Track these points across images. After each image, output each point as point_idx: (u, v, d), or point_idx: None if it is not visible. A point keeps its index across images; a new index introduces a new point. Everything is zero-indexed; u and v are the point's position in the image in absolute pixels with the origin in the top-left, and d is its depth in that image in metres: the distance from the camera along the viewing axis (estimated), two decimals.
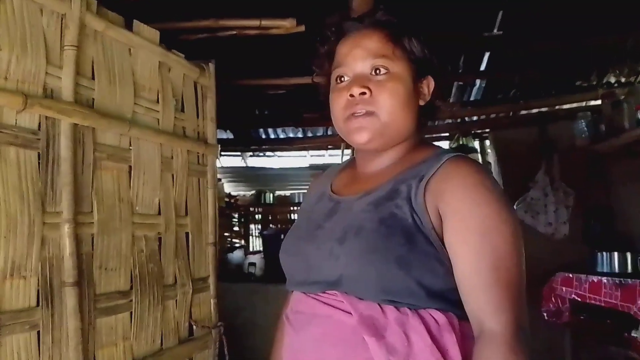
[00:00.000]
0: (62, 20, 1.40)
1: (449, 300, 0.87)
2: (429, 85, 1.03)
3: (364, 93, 0.95)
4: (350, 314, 0.86)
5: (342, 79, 1.01)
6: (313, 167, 5.43)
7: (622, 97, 3.09)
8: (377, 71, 0.97)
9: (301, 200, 5.16)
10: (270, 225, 5.45)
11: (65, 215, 1.36)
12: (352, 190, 1.03)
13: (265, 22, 2.24)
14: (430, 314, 0.86)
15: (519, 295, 0.82)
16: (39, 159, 1.32)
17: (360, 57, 0.98)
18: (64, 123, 1.37)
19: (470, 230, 0.84)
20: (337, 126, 1.02)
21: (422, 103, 1.02)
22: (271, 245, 3.80)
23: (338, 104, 0.99)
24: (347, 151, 4.72)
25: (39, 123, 1.32)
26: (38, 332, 1.28)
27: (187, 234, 1.92)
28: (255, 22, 2.24)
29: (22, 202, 1.26)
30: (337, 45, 1.04)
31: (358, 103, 0.96)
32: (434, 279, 0.86)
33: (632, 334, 2.45)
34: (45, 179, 1.33)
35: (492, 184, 0.88)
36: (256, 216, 5.54)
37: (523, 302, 0.83)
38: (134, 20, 1.66)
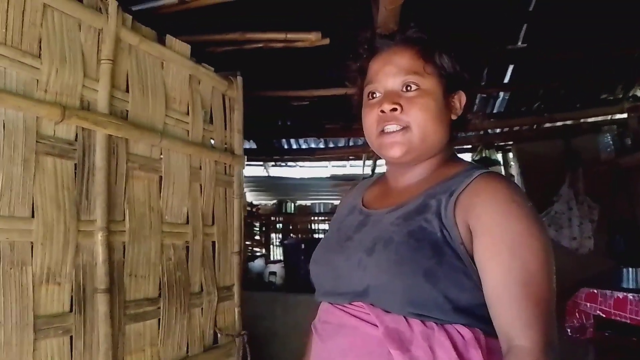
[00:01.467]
0: (99, 35, 1.45)
1: (476, 315, 0.87)
2: (460, 100, 1.04)
3: (394, 109, 0.97)
4: (376, 326, 0.87)
5: (374, 95, 1.03)
6: (334, 178, 5.44)
7: None
8: (408, 87, 0.99)
9: (321, 210, 5.18)
10: (291, 235, 5.47)
11: (98, 223, 1.40)
12: (382, 203, 1.05)
13: (290, 36, 2.28)
14: (457, 329, 0.85)
15: (548, 312, 0.81)
16: (75, 168, 1.37)
17: (392, 73, 1.00)
18: (99, 134, 1.42)
19: (500, 246, 0.84)
20: (370, 141, 1.04)
21: (454, 117, 1.03)
22: (291, 254, 3.81)
23: (370, 120, 1.02)
24: (369, 162, 4.73)
25: (76, 134, 1.37)
26: (71, 337, 1.31)
27: (213, 242, 1.96)
28: (281, 35, 2.28)
29: (59, 210, 1.31)
30: (369, 61, 1.07)
31: (389, 120, 0.98)
32: (461, 294, 0.86)
33: None
34: (80, 188, 1.38)
35: (522, 200, 0.88)
36: (277, 225, 5.56)
37: (553, 319, 0.83)
38: (167, 35, 1.71)
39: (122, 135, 1.50)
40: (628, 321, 2.58)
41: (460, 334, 0.85)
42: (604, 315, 2.81)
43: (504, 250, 0.83)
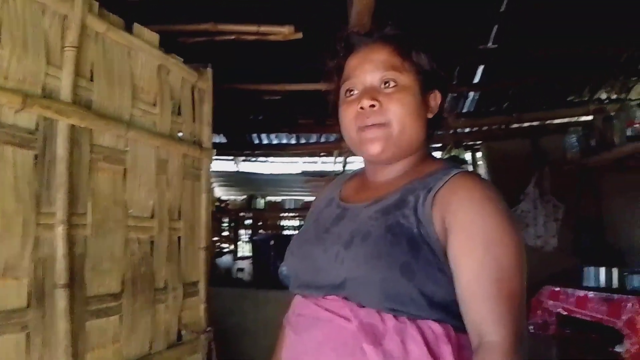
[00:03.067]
0: (63, 21, 1.40)
1: (449, 311, 0.88)
2: (436, 99, 1.05)
3: (373, 105, 0.97)
4: (350, 320, 0.87)
5: (352, 92, 1.02)
6: (305, 174, 5.43)
7: (613, 113, 3.14)
8: (387, 84, 0.98)
9: (292, 206, 5.16)
10: (260, 231, 5.43)
11: (59, 216, 1.36)
12: (360, 197, 1.04)
13: (263, 28, 2.26)
14: (428, 325, 0.86)
15: (519, 308, 0.83)
16: (35, 159, 1.32)
17: (370, 70, 1.00)
18: (61, 123, 1.37)
19: (474, 242, 0.85)
20: (349, 138, 1.03)
21: (430, 116, 1.04)
22: (261, 250, 3.79)
23: (348, 116, 1.01)
24: (340, 158, 4.74)
25: (37, 123, 1.32)
26: (28, 333, 1.27)
27: (179, 237, 1.92)
28: (253, 28, 2.26)
29: (17, 201, 1.26)
30: (346, 59, 1.06)
31: (368, 116, 0.97)
32: (436, 289, 0.87)
33: (616, 349, 2.47)
34: (41, 179, 1.33)
35: (497, 199, 0.90)
36: (246, 221, 5.51)
37: (523, 315, 0.84)
38: (134, 23, 1.67)
39: (85, 125, 1.45)
40: (589, 319, 2.66)
41: (432, 329, 0.86)
42: (565, 313, 2.89)
43: (477, 247, 0.84)
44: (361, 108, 0.97)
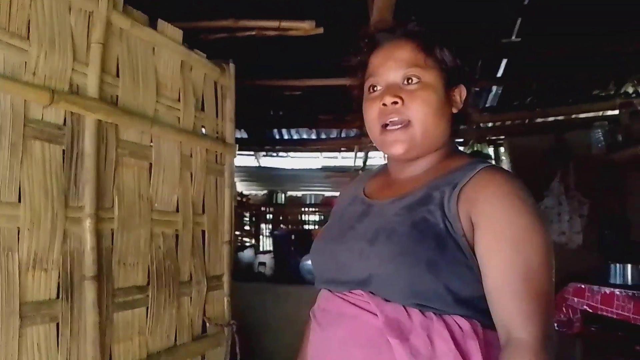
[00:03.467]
0: (89, 18, 1.42)
1: (476, 307, 0.88)
2: (461, 94, 1.04)
3: (395, 102, 0.97)
4: (376, 315, 0.88)
5: (375, 88, 1.02)
6: (325, 169, 5.43)
7: None
8: (409, 81, 0.98)
9: (312, 201, 5.17)
10: (281, 226, 5.46)
11: (87, 210, 1.38)
12: (384, 194, 1.05)
13: (284, 24, 2.25)
14: (455, 320, 0.86)
15: (547, 306, 0.83)
16: (63, 154, 1.34)
17: (393, 67, 1.00)
18: (88, 119, 1.39)
19: (503, 240, 0.85)
20: (372, 136, 1.04)
21: (454, 111, 1.03)
22: (281, 245, 3.81)
23: (371, 114, 1.01)
24: (360, 154, 4.72)
25: (65, 118, 1.35)
26: (57, 325, 1.29)
27: (203, 232, 1.94)
28: (274, 24, 2.26)
29: (46, 196, 1.28)
30: (370, 55, 1.06)
31: (391, 113, 0.97)
32: (462, 285, 0.87)
33: None
34: (69, 174, 1.35)
35: (525, 195, 0.89)
36: (267, 216, 5.55)
37: (551, 313, 0.84)
38: (159, 19, 1.68)
39: (112, 121, 1.47)
40: (614, 316, 2.62)
41: (459, 325, 0.86)
42: (591, 310, 2.84)
43: (506, 245, 0.84)
44: (384, 105, 0.98)
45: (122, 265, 1.51)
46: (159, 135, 1.67)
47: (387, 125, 0.99)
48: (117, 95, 1.52)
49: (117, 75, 1.52)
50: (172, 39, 1.73)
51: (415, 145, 0.98)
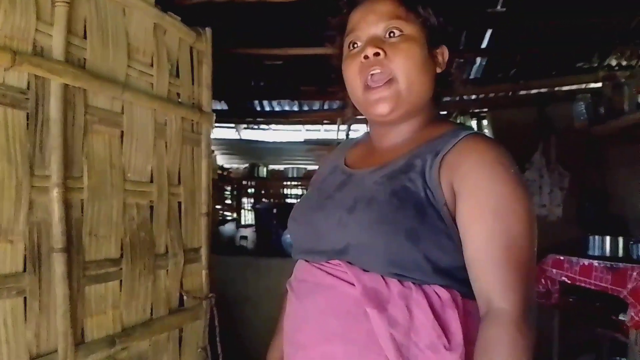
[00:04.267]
0: None
1: (455, 277, 0.86)
2: (443, 54, 1.00)
3: (377, 54, 0.92)
4: (354, 285, 0.86)
5: (355, 44, 0.98)
6: (308, 142, 5.38)
7: (623, 79, 3.06)
8: (392, 33, 0.94)
9: (295, 174, 5.13)
10: (263, 199, 5.42)
11: (54, 179, 1.31)
12: (365, 163, 1.01)
13: None
14: (434, 290, 0.85)
15: (529, 276, 0.81)
16: (27, 119, 1.27)
17: (374, 21, 0.95)
18: (54, 83, 1.31)
19: (484, 208, 0.82)
20: (355, 97, 0.99)
21: (438, 70, 0.99)
22: (264, 219, 3.77)
23: (352, 70, 0.96)
24: (343, 127, 4.67)
25: (28, 82, 1.27)
26: (25, 298, 1.24)
27: (179, 203, 1.89)
28: None
29: (10, 163, 1.21)
30: (349, 15, 1.02)
31: (373, 65, 0.93)
32: (442, 255, 0.85)
33: (620, 317, 2.47)
34: (34, 141, 1.28)
35: (509, 163, 0.86)
36: (249, 190, 5.50)
37: (532, 283, 0.82)
38: None
39: (79, 86, 1.39)
40: (592, 287, 2.65)
41: (438, 295, 0.84)
42: (569, 282, 2.88)
43: (487, 213, 0.82)
44: (365, 58, 0.93)
45: (93, 237, 1.45)
46: (131, 102, 1.60)
47: (369, 86, 0.94)
48: (84, 59, 1.43)
49: (85, 37, 1.44)
50: (144, 0, 1.64)
51: (401, 103, 0.94)
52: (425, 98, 0.98)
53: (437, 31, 0.98)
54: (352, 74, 0.96)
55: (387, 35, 0.94)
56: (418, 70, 0.93)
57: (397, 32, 0.94)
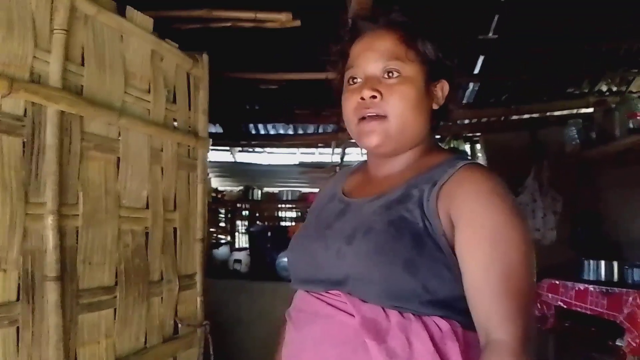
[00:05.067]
0: (51, 3, 1.34)
1: (455, 308, 0.85)
2: (442, 89, 1.00)
3: (374, 97, 0.93)
4: (353, 315, 0.85)
5: (355, 80, 0.99)
6: (302, 165, 5.39)
7: (614, 105, 3.11)
8: (390, 74, 0.95)
9: (289, 197, 5.12)
10: (257, 222, 5.39)
11: (49, 206, 1.31)
12: (363, 192, 1.01)
13: (260, 15, 2.20)
14: (434, 321, 0.84)
15: (528, 305, 0.80)
16: (23, 146, 1.26)
17: (373, 59, 0.96)
18: (50, 110, 1.32)
19: (482, 238, 0.82)
20: (349, 128, 1.01)
21: (435, 107, 1.00)
22: (258, 242, 3.74)
23: (349, 106, 0.98)
24: (337, 150, 4.70)
25: (25, 109, 1.27)
26: (17, 328, 1.22)
27: (174, 229, 1.88)
28: (250, 15, 2.20)
29: (5, 191, 1.20)
30: (351, 45, 1.02)
31: (369, 106, 0.94)
32: (441, 285, 0.84)
33: (617, 343, 2.46)
34: (29, 168, 1.27)
35: (505, 193, 0.86)
36: (243, 212, 5.48)
37: (532, 313, 0.82)
38: (127, 6, 1.61)
39: (76, 112, 1.39)
40: (588, 312, 2.64)
41: (438, 326, 0.83)
42: (565, 306, 2.87)
43: (485, 243, 0.81)
44: (362, 99, 0.94)
45: (87, 265, 1.44)
46: (127, 128, 1.60)
47: (363, 118, 0.95)
48: (82, 85, 1.44)
49: (83, 64, 1.44)
50: (142, 27, 1.66)
51: (391, 139, 0.95)
52: (420, 134, 0.98)
53: (437, 66, 0.99)
54: (349, 110, 0.98)
55: (386, 76, 0.95)
56: (412, 110, 0.94)
57: (395, 74, 0.95)
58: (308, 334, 0.90)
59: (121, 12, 1.58)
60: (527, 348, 0.76)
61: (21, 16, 1.25)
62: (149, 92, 1.72)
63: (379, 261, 0.85)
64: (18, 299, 1.23)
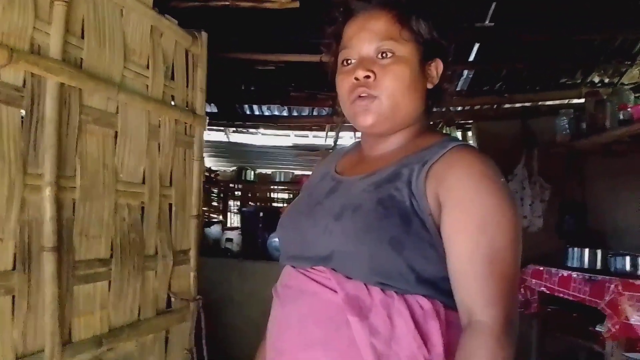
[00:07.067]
0: None
1: (438, 288, 0.86)
2: (437, 68, 1.01)
3: (368, 77, 0.94)
4: (336, 292, 0.86)
5: (349, 61, 0.99)
6: (296, 147, 5.39)
7: (605, 96, 3.15)
8: (383, 54, 0.95)
9: (282, 179, 5.14)
10: (250, 203, 5.41)
11: (47, 177, 1.31)
12: (355, 171, 1.03)
13: None
14: (416, 300, 0.85)
15: (511, 289, 0.82)
16: (22, 118, 1.26)
17: (367, 39, 0.96)
18: (50, 82, 1.31)
19: (469, 220, 0.83)
20: (344, 109, 1.01)
21: (430, 86, 1.00)
22: (250, 222, 3.77)
23: (343, 87, 0.98)
24: (331, 133, 4.71)
25: (24, 80, 1.26)
26: (13, 297, 1.23)
27: (170, 205, 1.89)
28: None
29: (3, 161, 1.20)
30: (344, 25, 1.02)
31: (363, 86, 0.95)
32: (426, 264, 0.86)
33: (597, 328, 2.53)
34: (28, 139, 1.28)
35: (496, 176, 0.88)
36: (236, 192, 5.48)
37: (515, 296, 0.83)
38: None
39: (75, 85, 1.39)
40: (571, 298, 2.71)
41: (420, 305, 0.85)
42: (548, 292, 2.94)
43: (472, 225, 0.83)
44: (356, 79, 0.95)
45: (84, 237, 1.45)
46: (125, 103, 1.60)
47: (357, 98, 0.96)
48: (81, 58, 1.43)
49: (82, 37, 1.44)
50: (142, 2, 1.65)
51: (385, 118, 0.95)
52: (414, 114, 0.99)
53: (431, 46, 0.99)
54: (344, 90, 0.98)
55: (380, 56, 0.95)
56: (406, 90, 0.95)
57: (388, 54, 0.95)
58: (293, 310, 0.92)
59: None
60: (509, 331, 0.78)
61: None
62: (147, 68, 1.72)
63: (365, 238, 0.86)
64: (14, 269, 1.24)
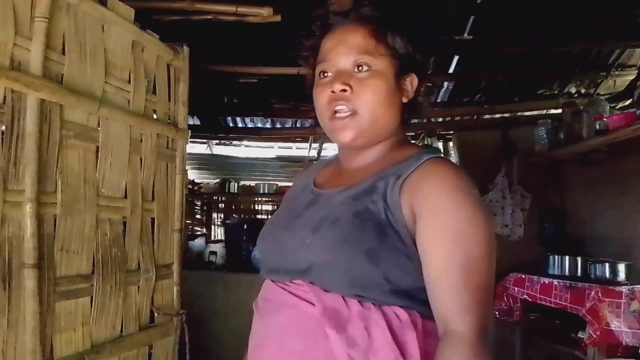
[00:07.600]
0: None
1: (416, 298, 0.87)
2: (412, 82, 1.03)
3: (344, 90, 0.95)
4: (314, 305, 0.87)
5: (326, 74, 1.01)
6: (280, 159, 5.40)
7: (582, 107, 3.22)
8: (360, 68, 0.97)
9: (266, 190, 5.13)
10: (234, 215, 5.38)
11: (27, 194, 1.30)
12: (334, 184, 1.04)
13: (241, 9, 2.21)
14: (393, 311, 0.86)
15: (486, 299, 0.83)
16: (2, 134, 1.26)
17: (344, 53, 0.98)
18: (30, 97, 1.31)
19: (444, 231, 0.84)
20: (321, 121, 1.03)
21: (405, 100, 1.02)
22: (233, 234, 3.75)
23: (321, 100, 1.00)
24: (315, 144, 4.72)
25: (4, 95, 1.26)
26: None
27: (152, 219, 1.88)
28: (231, 8, 2.21)
29: None
30: (322, 39, 1.04)
31: (340, 100, 0.96)
32: (402, 275, 0.87)
33: (579, 335, 2.57)
34: (8, 155, 1.27)
35: (469, 188, 0.89)
36: (220, 205, 5.45)
37: (490, 306, 0.85)
38: None
39: (56, 100, 1.39)
40: (552, 305, 2.75)
41: (397, 315, 0.86)
42: (530, 300, 2.98)
43: (447, 236, 0.84)
44: (332, 92, 0.96)
45: (65, 253, 1.44)
46: (107, 117, 1.60)
47: (335, 115, 0.98)
48: (62, 74, 1.44)
49: (63, 53, 1.44)
50: (123, 17, 1.66)
51: (363, 133, 0.97)
52: (391, 127, 1.01)
53: (407, 60, 1.01)
54: (321, 104, 1.00)
55: (356, 69, 0.97)
56: (382, 104, 0.97)
57: (365, 67, 0.97)
58: (273, 324, 0.92)
59: (103, 2, 1.58)
60: (484, 340, 0.79)
61: (2, 3, 1.24)
62: (129, 82, 1.72)
63: (342, 250, 0.87)
64: None
